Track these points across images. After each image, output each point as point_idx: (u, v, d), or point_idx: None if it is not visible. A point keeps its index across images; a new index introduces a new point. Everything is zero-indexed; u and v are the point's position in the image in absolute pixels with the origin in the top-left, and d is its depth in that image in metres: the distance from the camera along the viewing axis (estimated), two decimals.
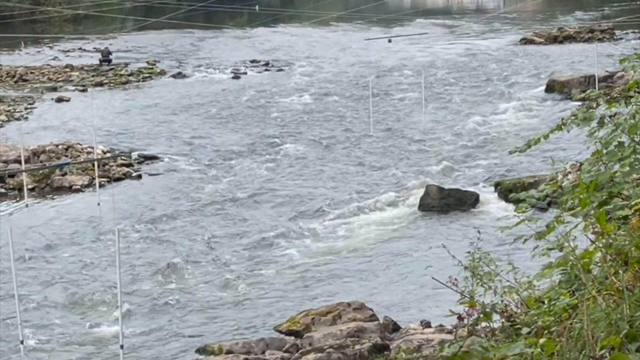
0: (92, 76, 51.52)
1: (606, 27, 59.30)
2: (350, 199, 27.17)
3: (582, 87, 39.66)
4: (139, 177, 31.63)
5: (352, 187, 28.81)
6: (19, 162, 30.63)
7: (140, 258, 23.14)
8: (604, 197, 5.59)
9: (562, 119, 6.46)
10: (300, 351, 16.80)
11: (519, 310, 6.29)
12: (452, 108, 40.06)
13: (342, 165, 31.78)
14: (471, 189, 27.14)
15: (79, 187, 30.16)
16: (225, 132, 37.39)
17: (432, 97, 41.54)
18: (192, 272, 22.16)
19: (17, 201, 28.99)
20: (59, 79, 51.07)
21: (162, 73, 52.58)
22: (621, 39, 57.24)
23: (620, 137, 5.77)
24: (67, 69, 53.32)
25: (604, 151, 5.81)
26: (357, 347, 16.25)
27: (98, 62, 55.30)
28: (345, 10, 76.39)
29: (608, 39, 56.89)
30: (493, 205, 25.91)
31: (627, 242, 5.23)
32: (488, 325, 6.15)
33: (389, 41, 60.97)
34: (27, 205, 28.19)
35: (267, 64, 54.67)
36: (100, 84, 49.61)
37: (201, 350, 17.43)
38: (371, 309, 18.10)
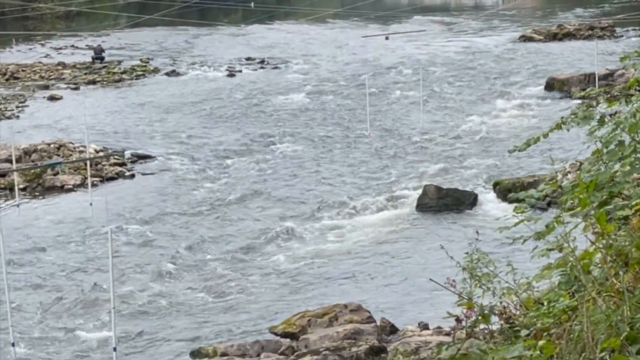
0: (85, 74, 51.47)
1: (606, 25, 59.34)
2: (347, 199, 27.16)
3: (582, 86, 39.71)
4: (132, 176, 31.61)
5: (348, 187, 28.81)
6: (10, 161, 30.60)
7: (134, 259, 23.13)
8: (604, 197, 5.59)
9: (562, 117, 6.46)
10: (296, 353, 16.80)
11: (518, 312, 6.29)
12: (450, 106, 40.08)
13: (338, 164, 31.78)
14: (469, 188, 27.15)
15: (71, 186, 30.13)
16: (219, 131, 37.38)
17: (430, 95, 41.55)
18: (186, 273, 22.14)
19: (8, 201, 28.96)
20: (51, 77, 51.02)
21: (156, 71, 52.55)
22: (622, 36, 57.29)
23: (621, 136, 5.77)
24: (59, 67, 53.27)
25: (604, 150, 5.81)
26: (354, 349, 16.25)
27: (91, 60, 55.24)
28: (342, 7, 76.41)
29: (608, 36, 56.94)
30: (492, 205, 25.92)
31: (627, 243, 5.23)
32: (487, 327, 6.15)
33: (386, 38, 60.94)
34: (18, 205, 28.15)
35: (262, 62, 54.65)
36: (93, 82, 49.57)
37: (195, 353, 17.42)
38: (368, 311, 18.10)
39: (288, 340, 17.43)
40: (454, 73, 47.68)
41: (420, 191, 26.72)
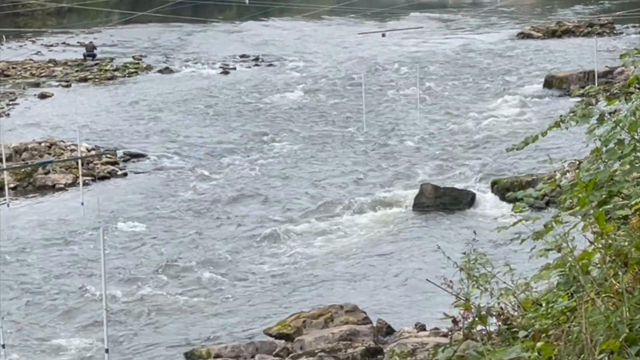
0: (76, 71, 51.41)
1: (606, 21, 59.40)
2: (343, 198, 27.16)
3: (581, 83, 39.77)
4: (125, 175, 31.59)
5: (343, 187, 28.81)
6: (0, 160, 30.55)
7: (126, 260, 23.11)
8: (604, 196, 5.59)
9: (561, 115, 6.46)
10: (291, 355, 16.80)
11: (515, 313, 6.29)
12: (448, 104, 40.09)
13: (333, 163, 31.78)
14: (467, 187, 27.16)
15: (62, 186, 30.10)
16: (213, 130, 37.36)
17: (426, 93, 41.56)
18: (179, 273, 22.13)
19: None
20: (42, 74, 50.95)
21: (149, 68, 52.50)
22: (621, 33, 57.35)
23: (620, 135, 5.77)
24: (51, 64, 53.21)
25: (604, 149, 5.82)
26: (350, 350, 16.25)
27: (82, 57, 55.17)
28: (338, 4, 76.37)
29: (608, 33, 57.00)
30: (489, 204, 25.93)
31: (627, 243, 5.23)
32: (484, 328, 6.14)
33: (383, 35, 60.94)
34: (8, 205, 28.10)
35: (257, 59, 54.63)
36: (85, 80, 49.51)
37: (189, 355, 17.42)
38: (364, 312, 18.11)
39: (283, 341, 17.43)
40: (451, 71, 47.70)
41: (416, 190, 26.72)
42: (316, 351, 16.38)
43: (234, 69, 51.93)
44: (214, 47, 59.48)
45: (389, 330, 17.74)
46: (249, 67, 52.51)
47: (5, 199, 28.54)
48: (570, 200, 5.78)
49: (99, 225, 23.15)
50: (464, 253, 6.54)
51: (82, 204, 26.94)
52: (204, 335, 18.68)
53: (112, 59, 54.99)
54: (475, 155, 31.55)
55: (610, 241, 5.19)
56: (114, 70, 51.77)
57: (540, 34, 57.97)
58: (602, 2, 76.75)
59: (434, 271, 18.81)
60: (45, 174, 30.74)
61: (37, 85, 48.12)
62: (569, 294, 5.35)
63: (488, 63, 49.34)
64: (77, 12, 78.86)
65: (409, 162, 31.21)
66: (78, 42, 61.13)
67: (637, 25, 58.15)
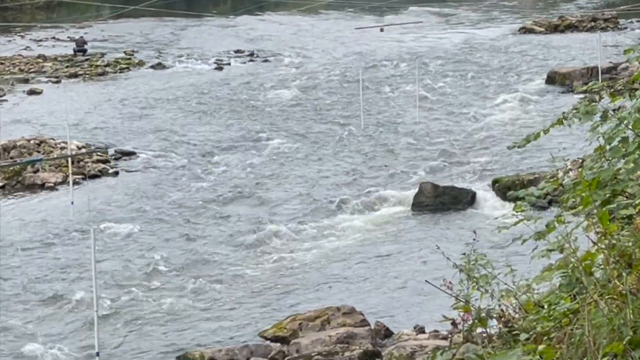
0: (66, 67, 51.38)
1: (610, 16, 59.45)
2: (340, 198, 27.15)
3: (584, 79, 39.79)
4: (116, 174, 31.57)
5: (341, 185, 28.81)
6: None
7: (118, 260, 23.09)
8: (607, 195, 5.59)
9: (563, 112, 6.46)
10: (286, 358, 16.81)
11: (517, 315, 6.29)
12: (448, 101, 40.10)
13: (330, 162, 31.78)
14: (467, 186, 27.17)
15: (52, 184, 30.08)
16: (207, 127, 37.35)
17: (426, 89, 41.56)
18: (172, 275, 22.12)
19: None
20: (31, 70, 50.92)
21: (141, 64, 52.48)
22: (625, 28, 57.40)
23: (625, 132, 5.77)
24: (40, 60, 53.18)
25: (607, 147, 5.81)
26: (347, 354, 16.26)
27: (72, 52, 55.15)
28: None
29: (612, 28, 57.04)
30: (490, 203, 25.94)
31: (631, 243, 5.23)
32: (485, 331, 6.14)
33: (381, 30, 61.00)
34: None
35: (252, 55, 54.63)
36: (75, 76, 49.48)
37: (182, 358, 17.42)
38: (362, 314, 18.12)
39: (278, 344, 17.44)
40: (451, 66, 47.71)
41: (416, 189, 26.74)
42: (313, 354, 16.38)
43: (229, 64, 51.92)
44: (207, 42, 59.47)
45: (387, 333, 17.74)
46: (244, 63, 52.50)
47: None
48: (573, 200, 5.78)
49: (89, 226, 23.13)
50: (464, 253, 6.54)
51: (72, 203, 26.93)
52: (197, 338, 18.67)
53: (103, 55, 54.96)
54: (475, 153, 31.56)
55: (614, 241, 5.19)
56: (105, 65, 51.74)
57: (542, 29, 58.00)
58: None
59: (433, 272, 18.82)
60: (35, 172, 30.72)
61: (26, 81, 48.09)
62: (572, 296, 5.35)
63: (489, 59, 49.36)
64: (67, 6, 78.80)
65: (408, 161, 31.22)
66: (68, 37, 61.08)
67: None
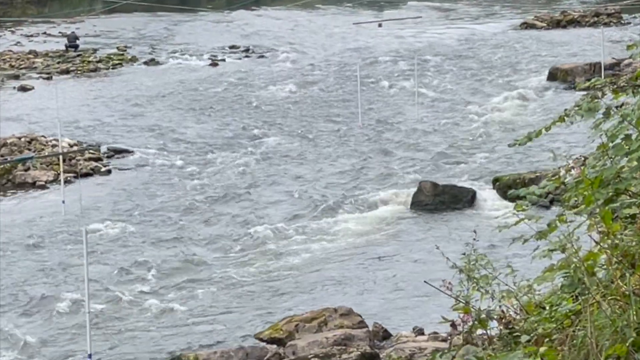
0: (58, 63, 51.37)
1: (613, 11, 59.50)
2: (337, 197, 27.17)
3: (586, 76, 39.80)
4: (109, 172, 31.57)
5: (338, 184, 28.82)
6: None
7: (110, 260, 23.09)
8: (610, 194, 5.59)
9: (565, 109, 6.46)
10: None
11: (517, 317, 6.29)
12: (447, 98, 40.12)
13: (328, 160, 31.79)
14: (467, 185, 27.19)
15: (43, 183, 30.08)
16: (201, 124, 37.35)
17: (425, 86, 41.58)
18: (165, 275, 22.12)
19: None
20: (22, 66, 50.89)
21: (134, 60, 52.47)
22: (629, 23, 57.44)
23: (628, 130, 5.77)
24: (31, 55, 53.15)
25: (610, 144, 5.81)
26: (345, 356, 16.26)
27: (64, 48, 55.12)
28: None
29: (615, 23, 57.08)
30: (491, 202, 25.96)
31: (634, 243, 5.23)
32: (485, 332, 6.15)
33: (380, 25, 61.00)
34: None
35: (247, 50, 54.63)
36: (67, 72, 49.47)
37: None
38: (359, 315, 18.12)
39: (274, 346, 17.44)
40: (451, 62, 47.73)
41: (415, 188, 26.75)
42: (309, 356, 16.39)
43: (223, 60, 51.91)
44: (202, 37, 59.45)
45: (386, 335, 17.75)
46: (239, 59, 52.50)
47: None
48: (575, 199, 5.78)
49: (80, 225, 23.13)
50: (464, 253, 6.54)
51: (64, 202, 26.92)
52: (192, 339, 18.67)
53: (95, 50, 54.94)
54: (475, 151, 31.57)
55: (617, 241, 5.19)
56: (98, 61, 51.72)
57: (544, 24, 58.03)
58: None
59: (432, 272, 18.81)
60: (25, 170, 30.71)
61: (16, 77, 48.06)
62: (574, 297, 5.35)
63: (489, 55, 49.38)
64: (58, 1, 78.78)
65: (407, 159, 31.23)
66: (60, 32, 61.05)
67: None
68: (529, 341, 5.41)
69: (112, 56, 52.98)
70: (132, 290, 21.20)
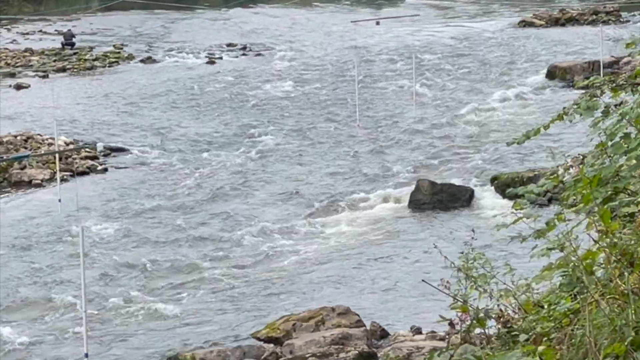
0: (54, 61, 51.33)
1: (612, 9, 59.48)
2: (335, 195, 27.17)
3: (585, 74, 39.83)
4: (105, 170, 31.55)
5: (336, 183, 28.82)
6: None
7: (106, 259, 23.08)
8: (609, 192, 5.60)
9: (564, 108, 6.46)
10: None
11: (516, 316, 6.29)
12: (445, 96, 40.12)
13: (325, 158, 31.79)
14: (465, 183, 27.19)
15: (39, 181, 30.06)
16: (198, 122, 37.34)
17: (423, 84, 41.58)
18: (162, 274, 22.11)
19: None
20: (18, 64, 50.85)
21: (130, 58, 52.43)
22: (628, 21, 57.44)
23: (627, 128, 5.78)
24: (27, 53, 53.11)
25: (609, 143, 5.82)
26: (342, 355, 16.27)
27: (60, 46, 55.08)
28: None
29: (614, 21, 57.08)
30: (489, 201, 25.97)
31: (633, 242, 5.23)
32: (483, 331, 6.15)
33: (377, 23, 60.88)
34: None
35: (244, 48, 54.60)
36: (63, 70, 49.44)
37: (173, 359, 17.40)
38: (357, 314, 18.12)
39: (271, 345, 17.44)
40: (449, 61, 47.72)
41: (412, 187, 26.75)
42: (307, 355, 16.39)
43: (220, 58, 51.89)
44: (199, 35, 59.41)
45: (383, 334, 17.75)
46: (236, 57, 52.47)
47: None
48: (574, 197, 5.79)
49: (76, 224, 23.12)
50: (462, 252, 6.54)
51: (60, 200, 26.90)
52: (189, 339, 18.66)
53: (91, 48, 54.89)
54: (474, 149, 31.57)
55: (615, 240, 5.19)
56: (94, 59, 51.68)
57: (542, 22, 58.02)
58: None
59: (430, 271, 18.85)
60: (22, 169, 30.70)
61: (12, 75, 48.02)
62: (572, 296, 5.35)
63: (487, 53, 49.38)
64: None
65: (405, 157, 31.23)
66: (56, 30, 60.99)
67: None
68: (527, 340, 5.41)
69: (108, 54, 52.94)
70: (129, 289, 21.20)
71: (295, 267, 22.39)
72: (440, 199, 26.10)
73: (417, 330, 17.50)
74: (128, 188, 29.20)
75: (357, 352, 16.36)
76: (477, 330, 6.14)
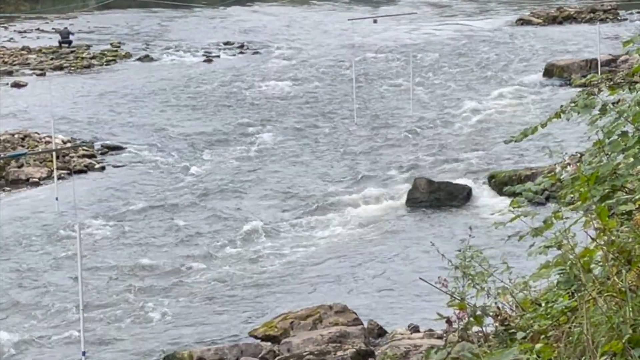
0: (51, 59, 51.29)
1: (609, 7, 59.51)
2: (332, 194, 27.16)
3: (583, 72, 39.83)
4: (102, 169, 31.54)
5: (333, 181, 28.82)
6: None
7: (104, 258, 23.07)
8: (606, 190, 5.59)
9: (562, 106, 6.46)
10: (277, 358, 16.82)
11: (513, 313, 6.29)
12: (442, 95, 40.12)
13: (322, 156, 31.78)
14: (463, 181, 27.19)
15: (36, 180, 30.04)
16: (195, 121, 37.32)
17: (420, 82, 41.58)
18: (159, 272, 22.11)
19: None
20: (15, 62, 50.82)
21: (128, 56, 52.41)
22: (625, 19, 57.47)
23: (624, 126, 5.78)
24: (24, 52, 53.07)
25: (606, 141, 5.82)
26: (340, 353, 16.27)
27: (57, 44, 55.04)
28: None
29: (611, 19, 57.11)
30: (486, 199, 25.97)
31: (630, 240, 5.23)
32: (480, 329, 6.15)
33: (375, 22, 60.87)
34: None
35: (242, 46, 54.57)
36: (60, 68, 49.40)
37: (170, 358, 17.40)
38: (355, 312, 18.12)
39: (269, 343, 17.44)
40: (447, 59, 47.73)
41: (410, 185, 26.75)
42: (304, 354, 16.39)
43: (218, 57, 51.87)
44: (196, 33, 59.39)
45: (381, 332, 17.76)
46: (234, 55, 52.45)
47: None
48: (571, 195, 5.78)
49: (74, 222, 23.11)
50: (459, 250, 6.54)
51: (57, 199, 26.89)
52: (186, 337, 18.66)
53: (89, 46, 54.86)
54: (471, 148, 31.58)
55: (613, 238, 5.19)
56: (91, 58, 51.66)
57: (540, 20, 58.04)
58: None
59: (427, 269, 18.83)
60: (19, 167, 30.67)
61: (9, 73, 47.98)
62: (570, 293, 5.36)
63: (485, 51, 49.38)
64: None
65: (402, 155, 31.23)
66: (53, 28, 60.94)
67: None
68: (524, 338, 5.41)
69: (105, 52, 52.91)
70: (126, 287, 21.19)
71: (293, 265, 22.39)
72: (437, 197, 26.11)
73: (415, 328, 17.50)
74: (125, 186, 29.18)
75: (354, 350, 16.36)
76: (475, 328, 6.14)
